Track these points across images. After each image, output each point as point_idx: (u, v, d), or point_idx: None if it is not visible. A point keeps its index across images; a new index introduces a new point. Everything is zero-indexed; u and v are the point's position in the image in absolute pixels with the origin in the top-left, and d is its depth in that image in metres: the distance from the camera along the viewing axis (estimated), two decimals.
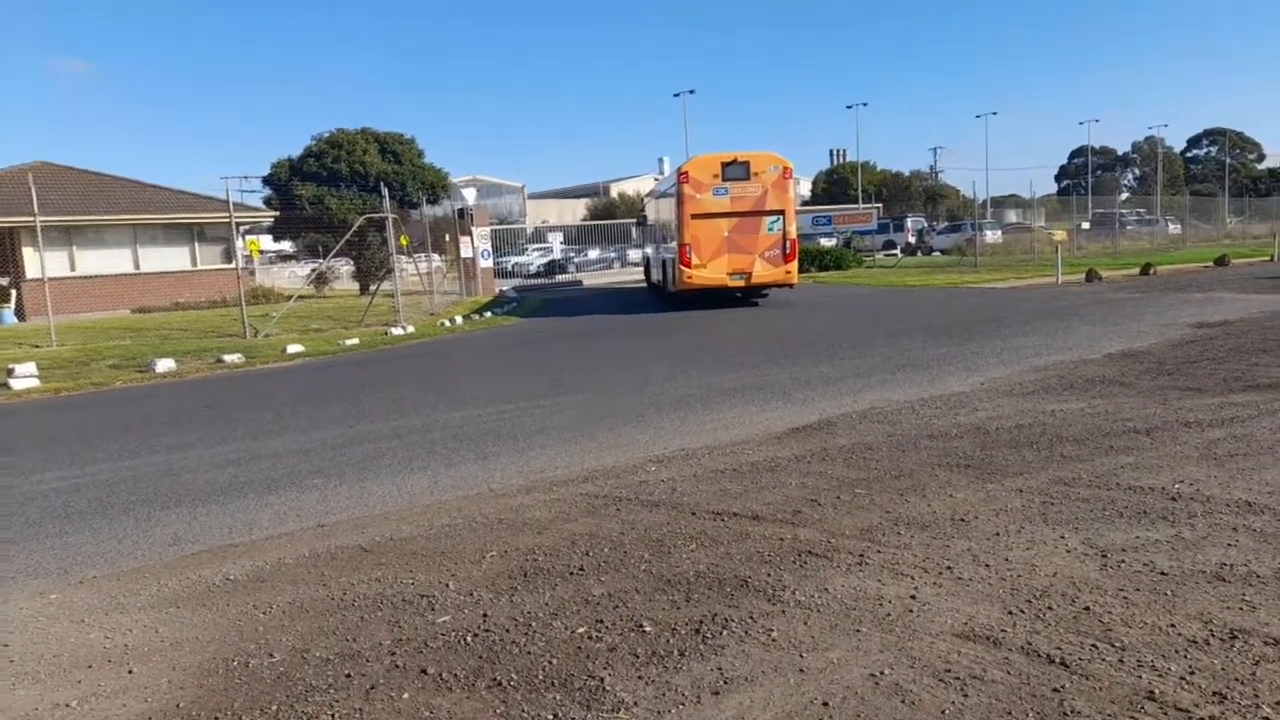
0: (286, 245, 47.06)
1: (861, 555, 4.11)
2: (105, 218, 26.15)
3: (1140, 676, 2.87)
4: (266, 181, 29.89)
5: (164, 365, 12.73)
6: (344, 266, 31.73)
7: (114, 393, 11.58)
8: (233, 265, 17.91)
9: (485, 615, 3.67)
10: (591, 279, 40.13)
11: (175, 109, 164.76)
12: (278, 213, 29.05)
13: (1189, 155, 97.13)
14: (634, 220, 36.33)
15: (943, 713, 2.74)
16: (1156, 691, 2.77)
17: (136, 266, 26.89)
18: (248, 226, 32.78)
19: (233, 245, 20.36)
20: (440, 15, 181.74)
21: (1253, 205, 53.71)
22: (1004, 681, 2.90)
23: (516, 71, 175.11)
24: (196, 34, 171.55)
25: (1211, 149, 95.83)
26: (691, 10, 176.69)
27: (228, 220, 19.09)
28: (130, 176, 28.83)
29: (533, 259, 46.71)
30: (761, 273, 18.85)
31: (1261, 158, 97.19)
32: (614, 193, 74.45)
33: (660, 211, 23.38)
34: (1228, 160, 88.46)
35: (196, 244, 27.79)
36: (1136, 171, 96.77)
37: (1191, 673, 2.88)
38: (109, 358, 14.48)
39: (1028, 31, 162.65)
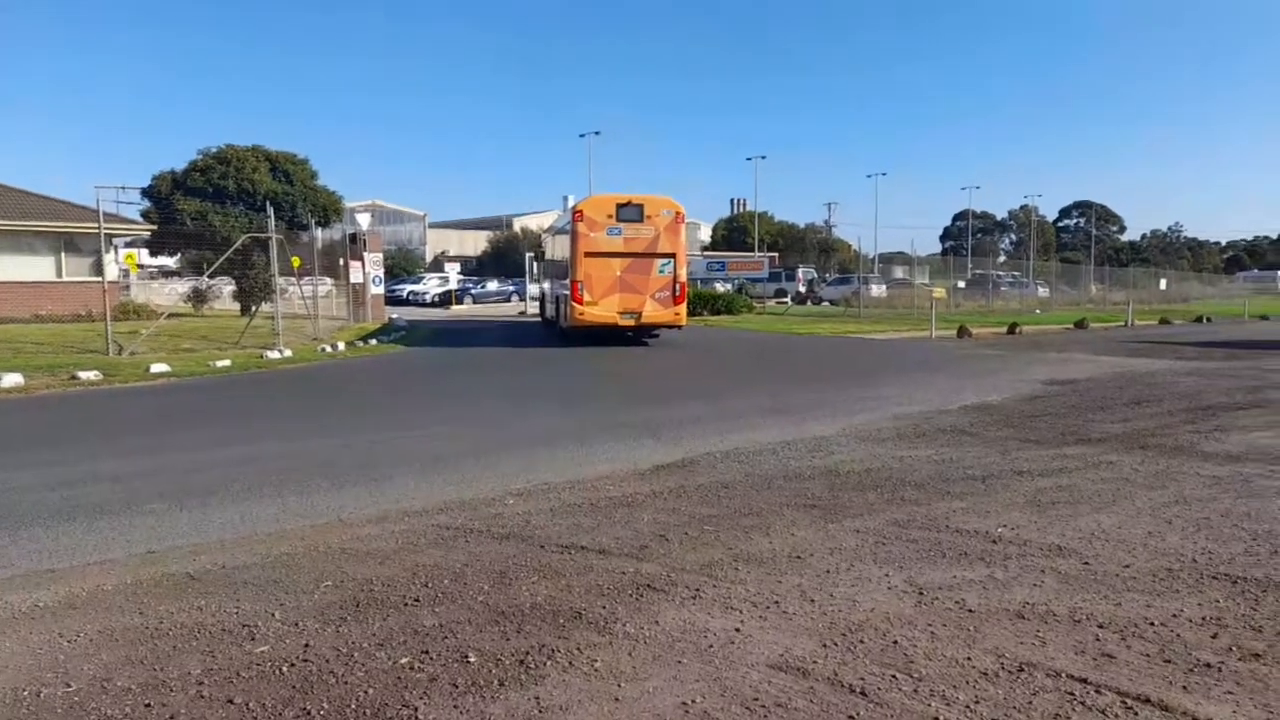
0: (169, 261, 45.07)
1: (697, 590, 4.21)
2: None
3: (930, 705, 3.04)
4: (146, 194, 28.56)
5: (10, 380, 11.92)
6: (226, 286, 30.56)
7: None
8: (100, 278, 17.01)
9: (307, 645, 3.58)
10: (489, 311, 39.87)
11: (51, 115, 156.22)
12: (155, 226, 27.78)
13: (1060, 224, 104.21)
14: (533, 254, 36.40)
15: None
16: (940, 718, 2.94)
17: None
18: (128, 239, 31.25)
19: (101, 257, 19.32)
20: (353, 48, 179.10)
21: (1113, 274, 57.81)
22: (805, 709, 3.02)
23: (424, 103, 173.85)
24: (84, 39, 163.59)
25: (1080, 220, 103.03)
26: (600, 57, 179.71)
27: (98, 231, 18.13)
28: None
29: (429, 288, 46.20)
30: (652, 313, 19.13)
31: (1123, 230, 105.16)
32: (517, 226, 74.50)
33: (556, 248, 23.53)
34: (1093, 231, 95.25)
35: (64, 254, 26.25)
36: (1013, 237, 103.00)
37: (976, 702, 3.06)
38: None
39: (917, 95, 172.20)
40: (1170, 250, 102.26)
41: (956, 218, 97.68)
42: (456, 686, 3.22)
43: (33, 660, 3.47)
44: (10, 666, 3.41)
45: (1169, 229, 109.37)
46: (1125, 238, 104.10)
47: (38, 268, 25.95)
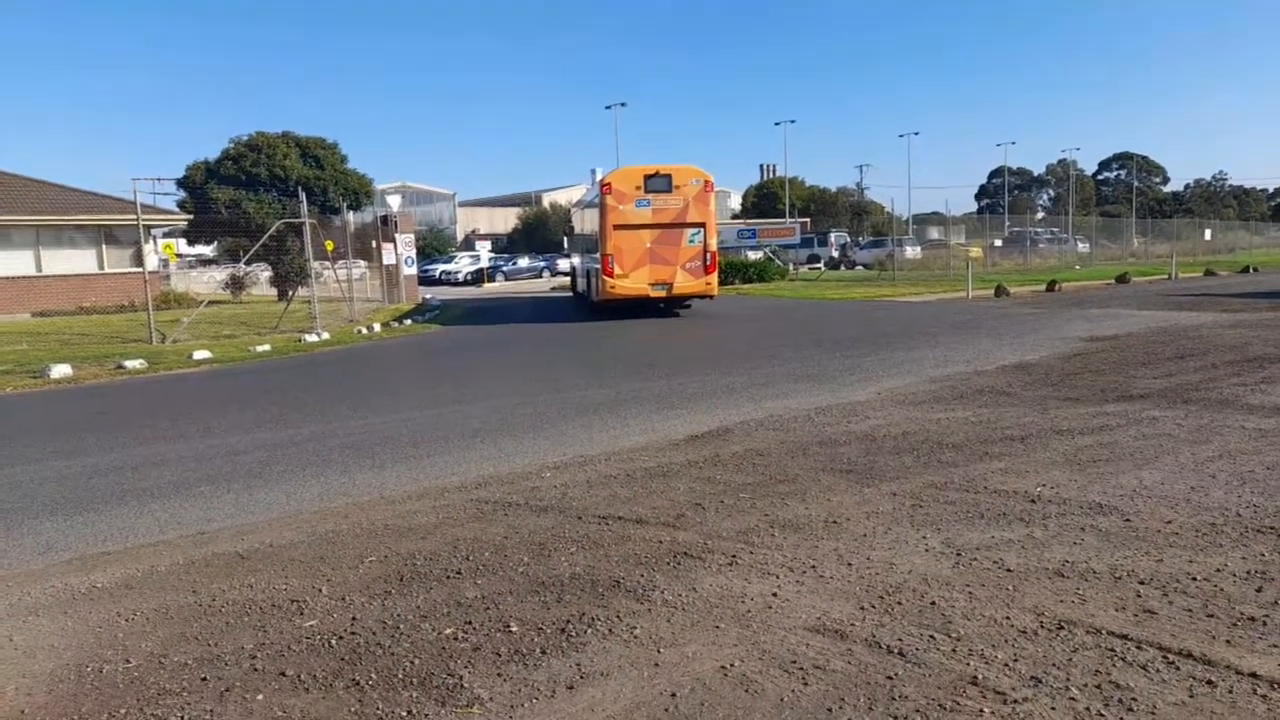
0: (206, 249, 45.79)
1: (734, 556, 4.24)
2: (5, 218, 25.06)
3: (968, 664, 3.05)
4: (181, 184, 28.99)
5: (59, 371, 12.26)
6: (263, 272, 31.00)
7: (2, 399, 11.11)
8: (141, 269, 17.35)
9: (354, 619, 3.68)
10: (521, 288, 40.03)
11: (88, 108, 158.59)
12: (192, 216, 28.22)
13: (1100, 178, 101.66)
14: (564, 230, 36.43)
15: (781, 700, 2.87)
16: (979, 677, 2.95)
17: (39, 269, 25.83)
18: (166, 229, 31.79)
19: (141, 248, 19.70)
20: (370, 22, 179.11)
21: (1156, 226, 56.41)
22: (843, 670, 3.04)
23: (450, 80, 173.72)
24: (115, 31, 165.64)
25: (1120, 172, 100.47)
26: (625, 26, 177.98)
27: (136, 223, 18.46)
28: (33, 175, 27.69)
29: (461, 267, 46.43)
30: (683, 284, 19.08)
31: (1166, 181, 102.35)
32: (546, 202, 74.40)
33: (585, 222, 23.50)
34: (1135, 183, 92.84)
35: (104, 246, 26.81)
36: (1051, 192, 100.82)
37: (1015, 660, 3.07)
38: (1, 363, 13.88)
39: (949, 52, 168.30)
40: (1215, 200, 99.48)
41: (992, 175, 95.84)
42: (500, 655, 3.29)
43: (93, 638, 3.60)
44: (73, 645, 3.55)
45: (1213, 178, 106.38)
46: (1168, 189, 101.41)
47: (80, 260, 26.55)
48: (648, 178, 18.79)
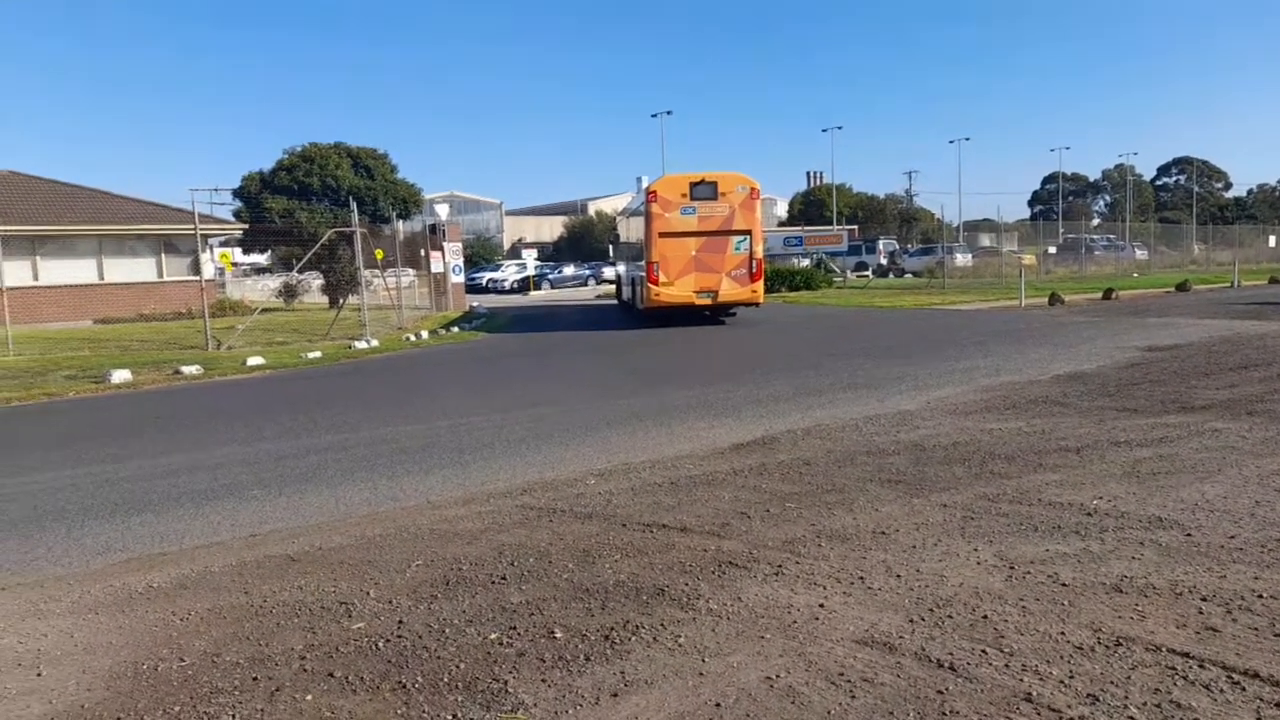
0: (260, 258, 46.90)
1: (780, 566, 4.20)
2: (70, 228, 25.96)
3: (1022, 680, 2.97)
4: (237, 194, 29.76)
5: (120, 376, 12.64)
6: (315, 280, 31.62)
7: (66, 403, 11.48)
8: (199, 277, 17.86)
9: (401, 622, 3.71)
10: (566, 295, 40.27)
11: (147, 120, 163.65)
12: (247, 225, 28.93)
13: (1158, 183, 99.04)
14: (609, 238, 36.57)
15: (828, 713, 2.82)
16: (1034, 694, 2.87)
17: (101, 277, 26.68)
18: (222, 239, 32.64)
19: (198, 257, 20.26)
20: (425, 36, 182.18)
21: (1217, 232, 54.79)
22: (892, 684, 2.98)
23: (499, 91, 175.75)
24: (174, 44, 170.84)
25: (1180, 177, 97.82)
26: (671, 33, 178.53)
27: (194, 232, 19.00)
28: (97, 186, 28.66)
29: (507, 275, 46.86)
30: (728, 291, 19.01)
31: (1228, 186, 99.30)
32: (591, 210, 74.83)
33: (631, 230, 23.57)
34: (1195, 189, 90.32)
35: (163, 255, 27.61)
36: (1107, 198, 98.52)
37: (1071, 677, 2.98)
38: (66, 368, 14.35)
39: (1000, 56, 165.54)
40: None
41: (1046, 181, 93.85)
42: (544, 661, 3.29)
43: (149, 637, 3.69)
44: (130, 643, 3.64)
45: (1279, 182, 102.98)
46: (1230, 194, 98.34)
47: (140, 269, 27.37)
48: (693, 185, 18.77)
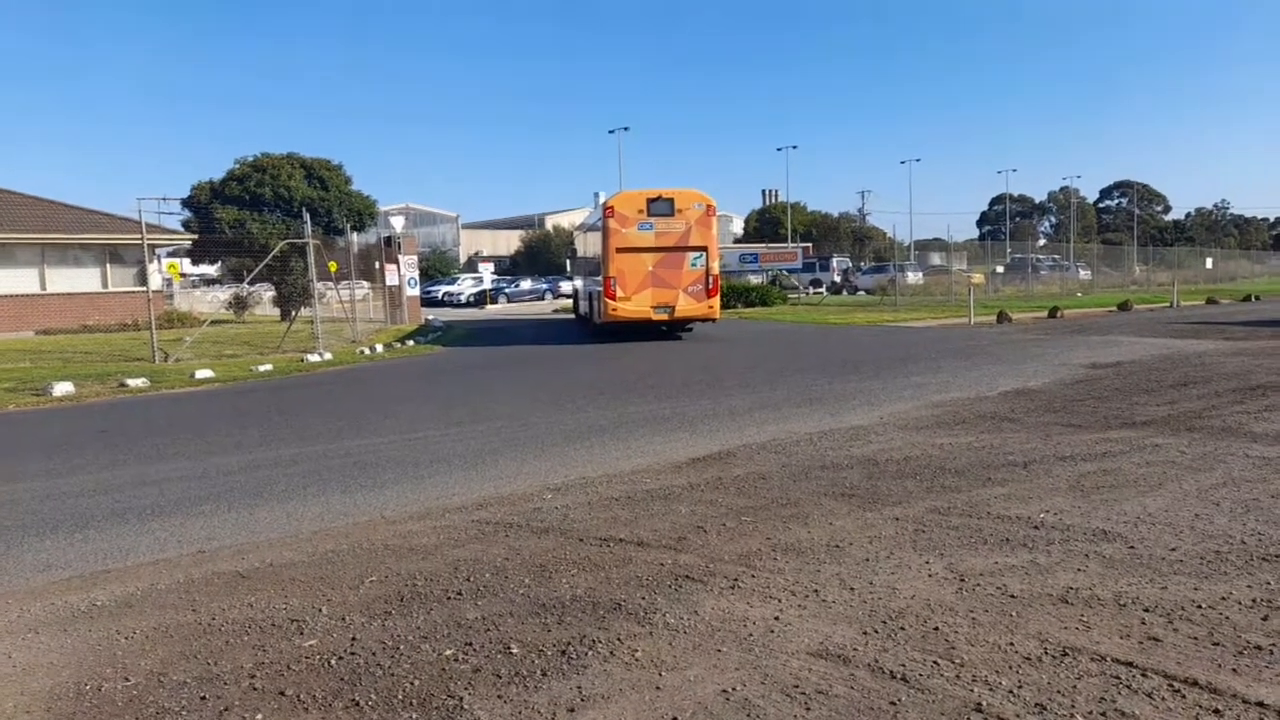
0: (210, 269, 45.95)
1: (736, 580, 4.22)
2: (10, 236, 25.20)
3: (972, 690, 3.03)
4: (186, 204, 29.12)
5: (62, 389, 12.28)
6: (266, 292, 31.09)
7: (5, 416, 11.11)
8: (145, 288, 17.47)
9: (354, 639, 3.66)
10: (523, 310, 40.13)
11: (93, 127, 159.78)
12: (196, 235, 28.35)
13: (1101, 205, 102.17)
14: (566, 253, 36.58)
15: None
16: (984, 703, 2.93)
17: (43, 287, 25.94)
18: (169, 249, 31.93)
19: (145, 268, 19.81)
20: (380, 48, 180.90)
21: (1158, 254, 56.56)
22: (846, 696, 3.02)
23: (455, 103, 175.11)
24: (124, 48, 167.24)
25: (1122, 200, 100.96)
26: (630, 51, 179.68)
27: (141, 242, 18.57)
28: (38, 194, 27.87)
29: (464, 288, 46.57)
30: (685, 307, 19.13)
31: (1168, 209, 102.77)
32: (549, 225, 74.72)
33: (588, 245, 23.61)
34: (1136, 211, 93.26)
35: (109, 265, 26.94)
36: (1053, 219, 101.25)
37: (1020, 686, 3.05)
38: (5, 381, 13.89)
39: (952, 79, 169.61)
40: (1216, 228, 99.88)
41: (994, 202, 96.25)
42: (500, 677, 3.27)
43: (93, 656, 3.59)
44: (72, 663, 3.53)
45: (1215, 206, 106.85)
46: (1169, 217, 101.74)
47: (84, 279, 26.66)
48: (650, 201, 18.90)
